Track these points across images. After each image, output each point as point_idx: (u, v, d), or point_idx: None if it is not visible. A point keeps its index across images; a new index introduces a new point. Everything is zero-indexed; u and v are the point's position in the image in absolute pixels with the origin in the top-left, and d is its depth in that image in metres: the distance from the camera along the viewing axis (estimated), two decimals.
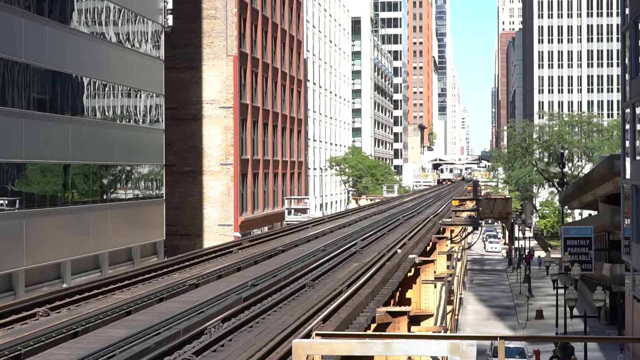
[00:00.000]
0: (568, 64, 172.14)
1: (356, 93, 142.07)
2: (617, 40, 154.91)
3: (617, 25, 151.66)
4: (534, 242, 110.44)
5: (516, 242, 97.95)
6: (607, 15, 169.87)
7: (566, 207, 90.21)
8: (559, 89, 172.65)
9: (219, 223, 60.44)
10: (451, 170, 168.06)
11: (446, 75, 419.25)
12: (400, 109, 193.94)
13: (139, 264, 43.78)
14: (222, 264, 27.69)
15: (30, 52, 35.71)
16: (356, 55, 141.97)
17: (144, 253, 47.60)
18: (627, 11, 44.98)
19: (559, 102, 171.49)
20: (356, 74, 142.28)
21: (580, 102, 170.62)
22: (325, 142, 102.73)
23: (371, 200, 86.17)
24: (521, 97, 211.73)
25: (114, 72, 43.88)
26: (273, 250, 31.85)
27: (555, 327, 50.81)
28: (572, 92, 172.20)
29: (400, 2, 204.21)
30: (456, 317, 57.54)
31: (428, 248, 36.64)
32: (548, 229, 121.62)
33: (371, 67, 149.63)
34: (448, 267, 42.01)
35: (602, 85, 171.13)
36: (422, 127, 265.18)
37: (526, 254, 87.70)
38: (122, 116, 45.86)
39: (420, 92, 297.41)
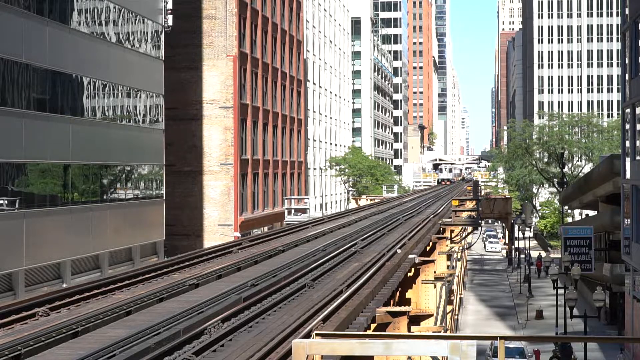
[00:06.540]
0: (568, 64, 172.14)
1: (356, 93, 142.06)
2: (617, 40, 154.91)
3: (617, 25, 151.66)
4: (533, 242, 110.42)
5: (516, 242, 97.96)
6: (607, 15, 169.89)
7: (566, 207, 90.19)
8: (559, 89, 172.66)
9: (219, 223, 60.44)
10: (450, 170, 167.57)
11: (446, 75, 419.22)
12: (400, 109, 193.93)
13: (139, 264, 43.78)
14: (222, 264, 27.68)
15: (30, 52, 35.71)
16: (356, 55, 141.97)
17: (144, 253, 47.59)
18: (627, 11, 44.95)
19: (559, 102, 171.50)
20: (356, 74, 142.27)
21: (580, 102, 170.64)
22: (325, 142, 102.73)
23: (371, 200, 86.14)
24: (521, 97, 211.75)
25: (114, 72, 43.89)
26: (273, 250, 31.83)
27: (555, 327, 50.80)
28: (572, 92, 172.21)
29: (400, 2, 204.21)
30: (456, 317, 57.53)
31: (428, 248, 36.63)
32: (548, 229, 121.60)
33: (371, 67, 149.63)
34: (448, 267, 41.99)
35: (602, 85, 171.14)
36: (422, 127, 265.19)
37: (537, 261, 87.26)
38: (122, 116, 45.87)
39: (420, 92, 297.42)
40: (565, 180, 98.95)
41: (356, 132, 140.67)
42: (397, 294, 26.79)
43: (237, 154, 60.68)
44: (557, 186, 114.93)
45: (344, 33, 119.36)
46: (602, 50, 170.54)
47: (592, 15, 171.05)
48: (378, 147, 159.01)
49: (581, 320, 44.38)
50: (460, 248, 58.68)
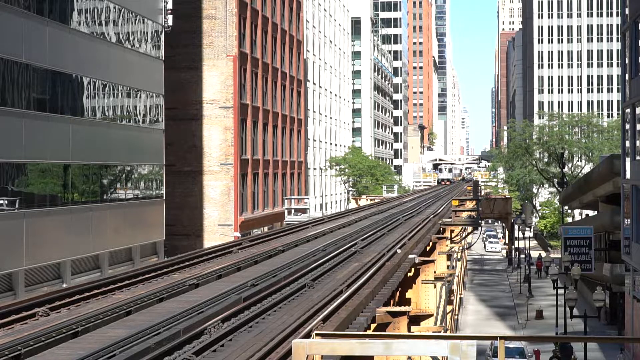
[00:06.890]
0: (568, 64, 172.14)
1: (356, 93, 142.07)
2: (617, 40, 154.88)
3: (617, 25, 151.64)
4: (533, 242, 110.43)
5: (516, 242, 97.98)
6: (607, 15, 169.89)
7: (566, 207, 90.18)
8: (559, 89, 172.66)
9: (219, 223, 60.44)
10: (450, 170, 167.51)
11: (446, 75, 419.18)
12: (400, 109, 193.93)
13: (139, 264, 43.77)
14: (222, 264, 27.68)
15: (30, 52, 35.71)
16: (356, 55, 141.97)
17: (144, 253, 47.59)
18: (627, 11, 44.95)
19: (559, 102, 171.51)
20: (356, 74, 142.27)
21: (580, 102, 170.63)
22: (325, 142, 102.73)
23: (371, 200, 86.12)
24: (521, 97, 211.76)
25: (114, 72, 43.89)
26: (273, 250, 31.83)
27: (555, 327, 50.81)
28: (572, 92, 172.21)
29: (400, 2, 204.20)
30: (456, 317, 57.52)
31: (428, 248, 36.63)
32: (548, 229, 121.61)
33: (371, 67, 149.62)
34: (448, 267, 41.99)
35: (602, 85, 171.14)
36: (422, 127, 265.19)
37: (537, 261, 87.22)
38: (122, 116, 45.87)
39: (420, 92, 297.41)
40: (565, 180, 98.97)
41: (356, 132, 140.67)
42: (397, 294, 26.79)
43: (237, 154, 60.68)
44: (557, 186, 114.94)
45: (344, 33, 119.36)
46: (602, 50, 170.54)
47: (592, 15, 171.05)
48: (378, 147, 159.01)
49: (581, 320, 44.38)
50: (460, 248, 58.67)
